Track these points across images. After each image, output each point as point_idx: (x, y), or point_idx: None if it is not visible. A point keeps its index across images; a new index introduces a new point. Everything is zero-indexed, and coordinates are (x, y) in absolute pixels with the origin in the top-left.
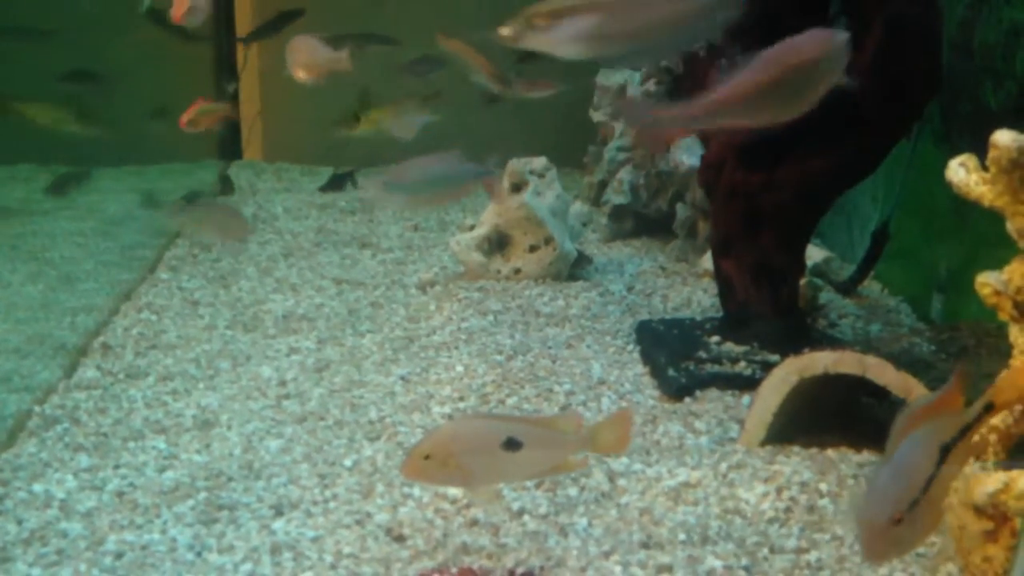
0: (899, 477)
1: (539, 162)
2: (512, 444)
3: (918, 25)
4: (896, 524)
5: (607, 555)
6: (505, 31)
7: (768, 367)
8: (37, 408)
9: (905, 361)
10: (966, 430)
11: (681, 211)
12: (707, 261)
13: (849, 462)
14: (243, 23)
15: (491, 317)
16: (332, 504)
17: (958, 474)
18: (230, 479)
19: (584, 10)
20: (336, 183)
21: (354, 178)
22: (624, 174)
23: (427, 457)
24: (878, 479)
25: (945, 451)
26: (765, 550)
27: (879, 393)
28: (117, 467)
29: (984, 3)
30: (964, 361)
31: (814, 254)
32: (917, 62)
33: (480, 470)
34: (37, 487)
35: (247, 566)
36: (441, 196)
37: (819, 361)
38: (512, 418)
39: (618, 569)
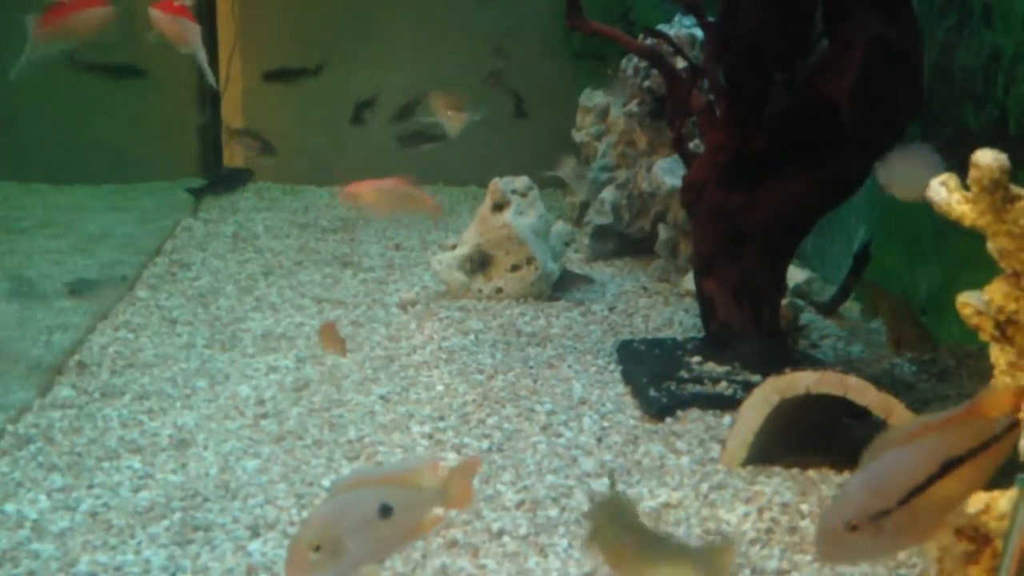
0: (871, 486)
1: (521, 181)
2: (386, 511)
3: (899, 48)
4: (852, 532)
5: None
6: None
7: (749, 387)
8: (11, 427)
9: (886, 382)
10: (988, 443)
11: (663, 231)
12: (689, 281)
13: (830, 483)
14: (226, 41)
15: (472, 336)
16: None
17: (972, 490)
18: (206, 499)
19: None
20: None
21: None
22: (606, 194)
23: (317, 548)
24: (849, 484)
25: (949, 465)
26: (747, 571)
27: (860, 413)
28: (91, 487)
29: (965, 27)
30: (990, 382)
31: (796, 275)
32: (898, 84)
33: (366, 549)
34: (9, 507)
35: None
36: None
37: (800, 381)
38: (371, 478)
39: None
